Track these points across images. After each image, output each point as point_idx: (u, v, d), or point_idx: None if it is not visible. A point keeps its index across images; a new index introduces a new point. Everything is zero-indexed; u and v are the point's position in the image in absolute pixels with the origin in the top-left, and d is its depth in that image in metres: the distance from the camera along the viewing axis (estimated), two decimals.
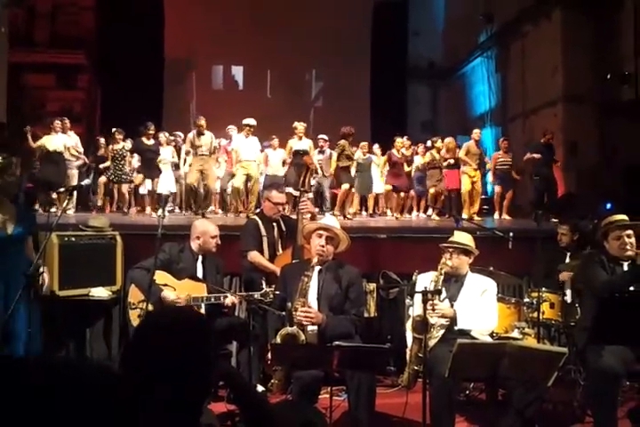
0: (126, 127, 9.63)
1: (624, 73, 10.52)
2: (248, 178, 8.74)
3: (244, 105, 13.80)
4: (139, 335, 1.43)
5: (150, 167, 9.29)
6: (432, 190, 9.69)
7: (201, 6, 15.10)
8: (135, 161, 9.75)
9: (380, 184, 10.37)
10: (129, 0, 14.75)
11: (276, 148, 9.80)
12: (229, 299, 4.14)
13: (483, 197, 10.53)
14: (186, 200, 9.73)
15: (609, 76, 10.63)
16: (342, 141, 8.81)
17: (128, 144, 9.48)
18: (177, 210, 10.30)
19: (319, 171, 9.62)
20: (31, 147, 9.02)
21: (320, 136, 10.09)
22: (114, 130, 9.57)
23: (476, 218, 9.01)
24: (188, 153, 9.32)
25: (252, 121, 8.82)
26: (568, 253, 5.11)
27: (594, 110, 11.20)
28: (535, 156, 9.35)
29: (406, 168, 10.08)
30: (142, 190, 9.74)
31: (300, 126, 8.99)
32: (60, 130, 9.08)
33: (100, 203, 9.65)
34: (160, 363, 1.32)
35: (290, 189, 7.85)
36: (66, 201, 4.45)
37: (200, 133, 8.74)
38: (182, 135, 10.31)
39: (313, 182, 9.50)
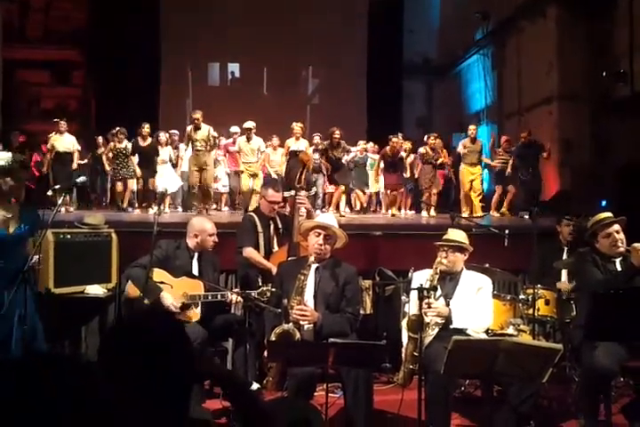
0: (121, 124, 9.57)
1: (619, 70, 10.50)
2: (253, 177, 9.01)
3: (241, 102, 13.79)
4: (112, 335, 1.46)
5: (146, 168, 9.26)
6: (427, 187, 9.64)
7: (197, 2, 15.04)
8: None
9: (374, 184, 10.40)
10: None
11: (277, 147, 9.75)
12: (235, 296, 4.12)
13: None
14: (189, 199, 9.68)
15: (604, 74, 10.64)
16: (325, 143, 9.11)
17: (130, 144, 9.43)
18: (180, 209, 10.22)
19: (323, 169, 9.55)
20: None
21: (315, 135, 10.08)
22: (117, 129, 9.55)
23: (476, 216, 9.01)
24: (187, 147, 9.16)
25: (250, 124, 8.89)
26: (565, 249, 5.11)
27: (589, 108, 11.20)
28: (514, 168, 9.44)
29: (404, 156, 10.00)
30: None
31: (296, 127, 9.01)
32: (65, 130, 9.20)
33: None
34: (135, 360, 1.34)
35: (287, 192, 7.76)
36: (61, 198, 4.40)
37: (197, 128, 8.56)
38: (178, 133, 10.24)
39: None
